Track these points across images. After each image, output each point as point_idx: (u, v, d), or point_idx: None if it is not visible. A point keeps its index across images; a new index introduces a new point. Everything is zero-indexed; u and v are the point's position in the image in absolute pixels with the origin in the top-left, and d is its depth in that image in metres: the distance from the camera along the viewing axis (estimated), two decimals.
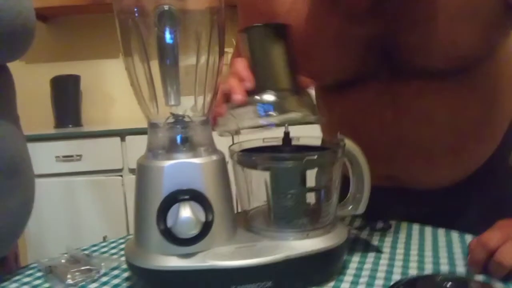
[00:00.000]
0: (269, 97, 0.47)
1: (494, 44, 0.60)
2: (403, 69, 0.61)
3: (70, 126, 2.06)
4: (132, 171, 1.74)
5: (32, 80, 2.14)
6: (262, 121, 0.47)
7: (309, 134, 0.55)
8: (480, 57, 0.60)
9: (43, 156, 1.74)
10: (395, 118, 0.65)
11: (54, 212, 1.74)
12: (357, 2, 0.58)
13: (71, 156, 1.77)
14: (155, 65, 0.49)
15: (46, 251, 1.73)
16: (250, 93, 0.49)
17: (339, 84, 0.68)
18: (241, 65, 0.52)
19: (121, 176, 1.77)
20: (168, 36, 0.49)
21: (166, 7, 0.49)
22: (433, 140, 0.65)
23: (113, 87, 2.21)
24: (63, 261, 0.56)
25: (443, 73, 0.60)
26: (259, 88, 0.48)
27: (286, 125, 0.53)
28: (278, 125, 0.48)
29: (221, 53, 0.50)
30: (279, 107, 0.47)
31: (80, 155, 1.77)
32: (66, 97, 2.09)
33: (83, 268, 0.54)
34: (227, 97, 0.51)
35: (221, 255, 0.45)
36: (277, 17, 0.65)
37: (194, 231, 0.44)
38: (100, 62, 2.20)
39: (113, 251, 0.63)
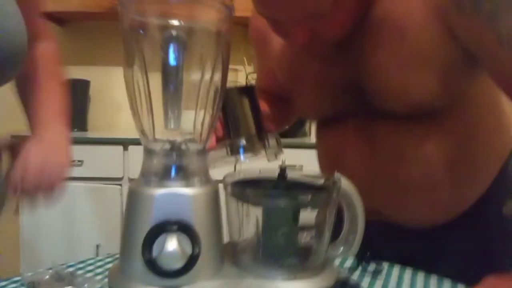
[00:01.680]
0: (236, 140, 0.59)
1: (457, 92, 0.62)
2: (372, 110, 0.66)
3: (76, 130, 2.07)
4: (132, 181, 1.74)
5: None
6: (231, 158, 0.58)
7: (309, 161, 0.61)
8: (442, 103, 0.62)
9: None
10: (372, 154, 0.68)
11: (49, 217, 1.73)
12: (321, 49, 0.65)
13: (73, 161, 1.77)
14: (154, 85, 0.48)
15: (40, 256, 1.72)
16: (221, 139, 0.61)
17: (322, 119, 0.77)
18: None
19: (120, 185, 1.76)
20: (173, 61, 0.49)
21: (174, 33, 0.49)
22: (406, 177, 0.67)
23: (121, 95, 2.21)
24: (47, 277, 0.55)
25: (408, 116, 0.64)
26: (230, 134, 0.60)
27: (283, 160, 0.53)
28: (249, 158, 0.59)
29: (225, 76, 0.50)
30: (244, 147, 0.59)
31: (81, 161, 1.77)
32: (74, 101, 2.09)
33: (66, 287, 0.53)
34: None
35: None
36: (272, 61, 0.77)
37: (179, 264, 0.43)
38: (111, 69, 2.22)
39: (99, 270, 0.62)
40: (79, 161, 1.77)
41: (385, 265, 0.66)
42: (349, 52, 0.64)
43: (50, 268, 0.58)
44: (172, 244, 0.43)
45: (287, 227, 0.48)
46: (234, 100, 0.60)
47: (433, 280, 0.62)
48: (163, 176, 0.47)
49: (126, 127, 2.22)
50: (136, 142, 1.70)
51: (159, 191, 0.45)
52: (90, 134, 2.04)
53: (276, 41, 0.73)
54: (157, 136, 0.49)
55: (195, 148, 0.49)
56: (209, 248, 0.46)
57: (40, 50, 0.76)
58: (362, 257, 0.66)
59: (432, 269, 0.64)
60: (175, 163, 0.47)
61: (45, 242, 1.73)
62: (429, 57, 0.58)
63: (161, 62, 0.50)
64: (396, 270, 0.65)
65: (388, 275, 0.63)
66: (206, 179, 0.49)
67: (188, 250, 0.44)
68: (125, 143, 1.76)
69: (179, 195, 0.45)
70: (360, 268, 0.65)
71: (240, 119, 0.59)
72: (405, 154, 0.66)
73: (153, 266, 0.43)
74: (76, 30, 2.24)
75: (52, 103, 0.74)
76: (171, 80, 0.50)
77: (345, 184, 0.52)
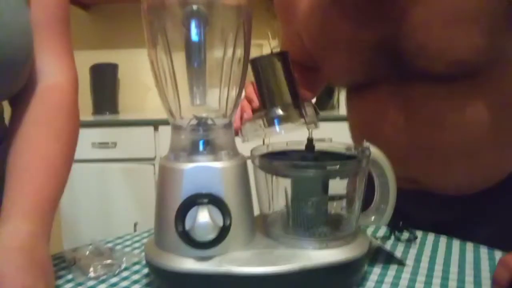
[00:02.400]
0: (272, 110, 0.56)
1: (501, 48, 0.59)
2: (409, 73, 0.62)
3: (107, 113, 2.13)
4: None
5: None
6: (267, 131, 0.55)
7: (338, 134, 0.59)
8: (485, 61, 0.59)
9: (80, 142, 1.80)
10: (407, 121, 0.65)
11: (88, 197, 1.81)
12: (354, 6, 0.63)
13: (107, 143, 1.83)
14: (178, 64, 0.49)
15: (80, 234, 1.81)
16: (258, 109, 0.60)
17: (353, 86, 0.73)
18: (249, 89, 0.64)
19: (153, 165, 1.81)
20: (196, 36, 0.49)
21: (194, 7, 0.48)
22: (446, 143, 0.65)
23: (149, 76, 2.23)
24: (87, 253, 0.58)
25: (448, 77, 0.61)
26: (265, 105, 0.57)
27: (310, 130, 0.52)
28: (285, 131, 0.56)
29: (247, 50, 0.50)
30: (281, 117, 0.55)
31: (115, 143, 1.82)
32: (104, 85, 2.15)
33: (105, 261, 0.55)
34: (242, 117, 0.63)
35: (237, 261, 0.45)
36: (297, 25, 0.74)
37: (211, 235, 0.44)
38: (138, 51, 2.24)
39: (136, 245, 0.64)
40: (112, 143, 1.82)
41: (419, 234, 0.65)
42: (385, 8, 0.61)
43: (90, 244, 0.61)
44: (203, 216, 0.43)
45: (317, 197, 0.48)
46: (266, 68, 0.57)
47: (469, 247, 0.61)
48: (192, 151, 0.48)
49: (156, 108, 2.26)
50: (165, 122, 1.72)
51: (188, 166, 0.45)
52: (121, 116, 2.09)
53: (304, 3, 0.70)
54: (184, 112, 0.49)
55: (222, 122, 0.49)
56: (239, 219, 0.46)
57: (51, 98, 0.54)
58: (395, 226, 0.65)
59: (469, 237, 0.63)
60: (202, 138, 0.48)
61: (84, 221, 1.81)
62: (475, 10, 0.55)
63: (183, 40, 0.50)
64: (430, 238, 0.64)
65: (422, 243, 0.62)
66: (234, 153, 0.49)
67: (219, 221, 0.44)
68: (156, 124, 1.79)
69: (208, 168, 0.45)
70: (393, 237, 0.64)
71: (274, 88, 0.56)
72: (444, 119, 0.64)
73: (186, 237, 0.44)
74: (101, 13, 2.27)
75: (44, 192, 0.49)
76: (195, 56, 0.50)
77: (375, 152, 0.51)
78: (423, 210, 0.72)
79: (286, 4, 0.76)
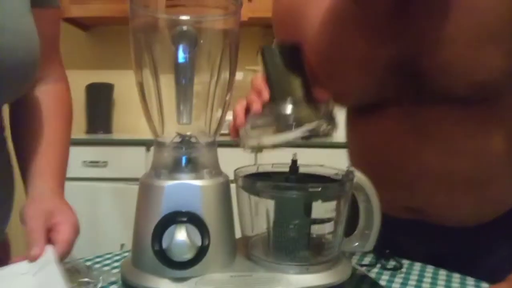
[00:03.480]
0: (283, 104, 0.50)
1: None
2: (424, 94, 0.60)
3: (101, 132, 2.12)
4: None
5: None
6: (278, 126, 0.50)
7: (331, 158, 0.56)
8: (505, 85, 0.57)
9: (71, 160, 1.79)
10: (416, 146, 0.62)
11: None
12: (370, 22, 0.59)
13: (97, 162, 1.81)
14: (164, 83, 0.49)
15: None
16: (267, 104, 0.53)
17: (361, 107, 0.68)
18: (258, 81, 0.56)
19: None
20: (184, 56, 0.50)
21: (184, 28, 0.49)
22: (455, 172, 0.62)
23: (148, 101, 2.25)
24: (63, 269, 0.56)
25: (466, 100, 0.58)
26: (275, 98, 0.52)
27: (294, 153, 0.52)
28: (294, 138, 0.50)
29: (233, 72, 0.50)
30: (293, 112, 0.50)
31: (106, 162, 1.81)
32: (99, 104, 2.15)
33: (81, 280, 0.53)
34: (246, 110, 0.55)
35: (214, 283, 0.44)
36: (306, 37, 0.66)
37: (188, 255, 0.43)
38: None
39: (116, 264, 0.62)
40: (103, 162, 1.81)
41: (405, 263, 0.64)
42: (404, 25, 0.57)
43: (68, 262, 0.59)
44: (181, 235, 0.42)
45: (299, 219, 0.47)
46: (277, 58, 0.53)
47: (455, 279, 0.59)
48: (173, 169, 0.47)
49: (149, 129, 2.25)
50: None
51: (169, 183, 0.45)
52: (115, 136, 2.09)
53: (314, 17, 0.66)
54: (167, 130, 0.49)
55: (205, 140, 0.48)
56: (219, 240, 0.45)
57: (52, 95, 0.66)
58: (381, 254, 0.64)
59: (468, 270, 0.60)
60: (184, 156, 0.47)
61: None
62: (498, 31, 0.54)
63: (169, 59, 0.50)
64: (416, 267, 0.63)
65: (408, 272, 0.61)
66: (216, 172, 0.48)
67: (198, 241, 0.43)
68: (148, 144, 1.78)
69: (188, 186, 0.45)
70: (379, 265, 0.63)
71: (284, 80, 0.51)
72: (456, 145, 0.61)
73: (163, 257, 0.43)
74: (100, 34, 2.30)
75: (55, 161, 0.63)
76: (183, 75, 0.50)
77: (360, 177, 0.51)
78: (420, 241, 0.69)
79: (291, 17, 0.71)
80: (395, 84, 0.61)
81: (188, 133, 0.48)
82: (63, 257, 0.51)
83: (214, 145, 0.49)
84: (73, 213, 0.58)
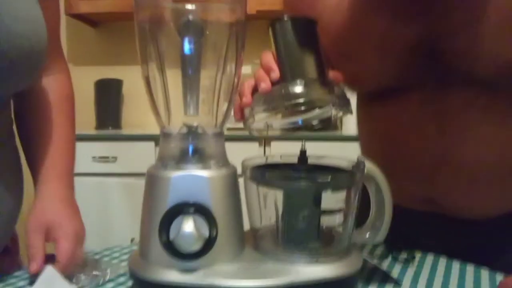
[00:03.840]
0: (295, 84, 0.47)
1: None
2: (449, 77, 0.57)
3: (110, 128, 2.13)
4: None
5: (77, 82, 2.22)
6: (288, 107, 0.47)
7: (341, 151, 0.52)
8: None
9: (81, 156, 1.80)
10: (439, 133, 0.59)
11: (86, 211, 1.78)
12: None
13: (107, 157, 1.82)
14: (171, 74, 0.48)
15: None
16: (277, 83, 0.49)
17: (380, 91, 0.64)
18: (268, 57, 0.52)
19: None
20: (191, 46, 0.49)
21: (190, 18, 0.48)
22: (478, 161, 0.59)
23: (154, 93, 2.26)
24: None
25: (493, 84, 0.55)
26: (286, 77, 0.48)
27: (303, 142, 0.51)
28: (305, 120, 0.48)
29: (239, 64, 0.49)
30: (304, 93, 0.46)
31: (115, 157, 1.82)
32: (108, 100, 2.16)
33: (89, 272, 0.53)
34: (255, 91, 0.51)
35: (222, 274, 0.43)
36: (319, 16, 0.61)
37: (196, 247, 0.42)
38: None
39: (124, 257, 0.62)
40: (113, 157, 1.82)
41: (418, 254, 0.63)
42: (429, 3, 0.55)
43: None
44: (188, 226, 0.42)
45: (308, 210, 0.47)
46: (289, 33, 0.48)
47: (470, 269, 0.58)
48: (180, 160, 0.46)
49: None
50: None
51: (175, 174, 0.44)
52: (124, 131, 2.09)
53: None
54: (174, 120, 0.49)
55: (212, 131, 0.48)
56: (227, 231, 0.45)
57: (55, 89, 0.65)
58: (393, 245, 0.63)
59: (485, 263, 0.59)
60: (191, 146, 0.47)
61: None
62: None
63: (176, 56, 0.49)
64: (429, 258, 0.62)
65: (421, 264, 0.60)
66: (224, 162, 0.48)
67: (205, 232, 0.43)
68: (156, 139, 1.78)
69: (195, 177, 0.44)
70: (390, 256, 0.62)
71: (297, 58, 0.47)
72: (480, 133, 0.58)
73: (170, 248, 0.43)
74: (109, 30, 2.30)
75: (61, 161, 0.63)
76: (189, 66, 0.49)
77: (371, 168, 0.49)
78: (435, 234, 0.67)
79: None
80: (417, 67, 0.58)
81: (195, 124, 0.48)
82: (65, 271, 0.51)
83: (221, 135, 0.48)
84: (75, 221, 0.57)
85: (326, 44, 0.57)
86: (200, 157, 0.46)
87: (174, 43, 0.49)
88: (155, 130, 2.11)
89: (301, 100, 0.45)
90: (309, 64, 0.47)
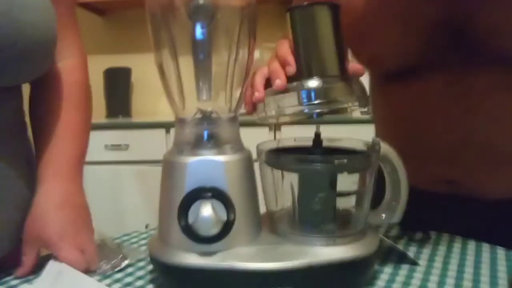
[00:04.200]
0: (313, 83, 0.44)
1: None
2: (476, 56, 0.55)
3: (120, 116, 2.15)
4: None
5: None
6: (304, 109, 0.44)
7: (354, 135, 0.51)
8: None
9: (93, 144, 1.81)
10: (464, 115, 0.58)
11: (100, 198, 1.81)
12: None
13: (119, 145, 1.84)
14: (184, 60, 0.48)
15: None
16: (293, 78, 0.46)
17: (401, 71, 0.62)
18: (284, 48, 0.48)
19: None
20: (202, 31, 0.49)
21: (201, 1, 0.48)
22: (504, 142, 0.58)
23: (168, 79, 2.26)
24: None
25: None
26: (303, 73, 0.45)
27: (317, 125, 0.51)
28: (321, 114, 0.45)
29: (252, 49, 0.49)
30: (324, 94, 0.44)
31: (127, 145, 1.84)
32: (118, 89, 2.17)
33: (110, 256, 0.54)
34: (267, 81, 0.49)
35: (241, 256, 0.44)
36: None
37: (215, 230, 0.43)
38: (151, 56, 2.25)
39: (143, 242, 0.63)
40: (125, 145, 1.84)
41: (433, 235, 0.63)
42: None
43: (97, 239, 0.60)
44: (206, 210, 0.42)
45: (324, 192, 0.47)
46: (306, 26, 0.44)
47: (485, 248, 0.58)
48: (195, 145, 0.47)
49: (168, 112, 2.27)
50: None
51: (192, 159, 0.44)
52: (134, 119, 2.11)
53: None
54: (188, 106, 0.49)
55: (226, 116, 0.48)
56: (244, 214, 0.45)
57: (62, 75, 0.61)
58: (408, 226, 0.63)
59: (502, 245, 0.58)
60: (206, 132, 0.47)
61: (97, 222, 1.82)
62: None
63: (188, 42, 0.49)
64: (445, 239, 0.62)
65: (436, 244, 0.60)
66: (239, 147, 0.48)
67: (223, 216, 0.43)
68: (167, 126, 1.79)
69: (211, 162, 0.44)
70: (405, 237, 0.62)
71: (317, 51, 0.43)
72: (506, 115, 0.57)
73: (189, 232, 0.43)
74: (116, 19, 2.30)
75: (61, 154, 0.58)
76: (201, 51, 0.49)
77: (386, 148, 0.49)
78: (452, 215, 0.66)
79: None
80: (442, 45, 0.56)
81: (209, 109, 0.48)
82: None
83: (236, 120, 0.49)
84: (75, 231, 0.53)
85: (344, 25, 0.53)
86: (215, 142, 0.47)
87: (185, 29, 0.49)
88: (164, 117, 2.13)
89: (319, 103, 0.43)
90: (330, 59, 0.44)
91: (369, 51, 0.59)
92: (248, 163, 0.47)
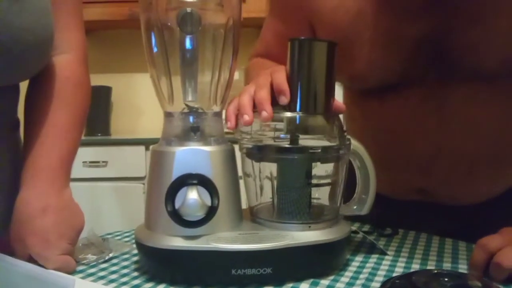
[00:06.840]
0: (297, 118, 0.50)
1: None
2: (452, 72, 0.58)
3: (99, 135, 2.15)
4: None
5: None
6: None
7: None
8: None
9: None
10: (439, 127, 0.61)
11: None
12: None
13: (98, 162, 1.84)
14: (173, 61, 0.52)
15: None
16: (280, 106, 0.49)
17: (382, 87, 0.64)
18: (281, 76, 0.50)
19: (143, 184, 1.82)
20: (189, 37, 0.53)
21: (188, 10, 0.53)
22: (476, 151, 0.62)
23: (142, 100, 2.30)
24: (80, 244, 0.59)
25: (495, 77, 0.58)
26: (292, 106, 0.49)
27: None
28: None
29: (235, 55, 0.54)
30: (305, 130, 0.50)
31: (106, 162, 1.84)
32: (98, 107, 2.18)
33: (95, 249, 0.56)
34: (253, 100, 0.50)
35: (224, 239, 0.47)
36: (318, 14, 0.62)
37: (200, 214, 0.46)
38: (132, 75, 2.30)
39: (127, 239, 0.65)
40: (103, 162, 1.84)
41: (401, 231, 0.68)
42: (436, 0, 0.55)
43: (84, 237, 0.62)
44: (192, 195, 0.46)
45: (301, 182, 0.51)
46: (305, 59, 0.46)
47: (448, 241, 0.63)
48: (182, 137, 0.51)
49: (147, 131, 2.29)
50: (156, 141, 1.76)
51: (179, 149, 0.48)
52: (113, 138, 2.11)
53: None
54: (176, 102, 0.53)
55: (211, 111, 0.52)
56: (227, 201, 0.49)
57: (53, 70, 0.58)
58: (378, 223, 0.68)
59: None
60: (193, 125, 0.51)
61: None
62: None
63: (177, 42, 0.54)
64: (411, 234, 0.67)
65: (403, 238, 0.65)
66: (222, 140, 0.52)
67: (208, 201, 0.47)
68: (147, 143, 1.81)
69: (198, 151, 0.48)
70: (376, 233, 0.67)
71: (306, 86, 0.47)
72: (481, 126, 0.60)
73: (176, 216, 0.46)
74: (99, 38, 2.34)
75: (54, 152, 0.56)
76: (188, 55, 0.54)
77: (356, 145, 0.54)
78: (426, 221, 0.68)
79: None
80: (421, 62, 0.59)
81: (196, 105, 0.52)
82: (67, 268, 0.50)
83: (220, 115, 0.53)
84: (55, 239, 0.51)
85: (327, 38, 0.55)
86: (201, 134, 0.51)
87: (174, 35, 0.54)
88: (144, 136, 2.14)
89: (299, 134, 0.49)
90: (319, 96, 0.48)
91: (352, 69, 0.60)
92: (231, 154, 0.51)
